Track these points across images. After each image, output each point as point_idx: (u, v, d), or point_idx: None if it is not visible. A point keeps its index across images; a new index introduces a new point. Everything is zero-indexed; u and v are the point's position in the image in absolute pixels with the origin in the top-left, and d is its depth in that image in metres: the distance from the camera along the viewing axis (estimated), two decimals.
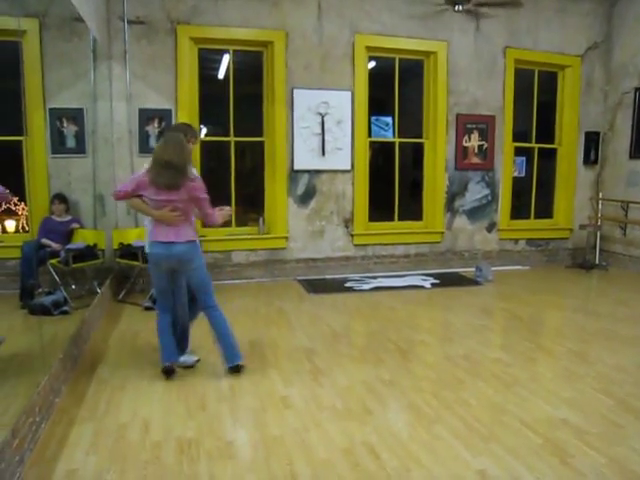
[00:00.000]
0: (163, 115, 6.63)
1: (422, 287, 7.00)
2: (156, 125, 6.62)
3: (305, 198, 7.25)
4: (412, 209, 8.06)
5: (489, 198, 8.11)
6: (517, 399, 3.77)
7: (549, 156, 8.62)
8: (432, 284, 7.11)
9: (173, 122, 6.63)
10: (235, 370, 4.12)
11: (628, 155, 8.21)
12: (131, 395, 3.77)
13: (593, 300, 6.91)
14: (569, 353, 4.75)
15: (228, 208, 4.28)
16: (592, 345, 4.97)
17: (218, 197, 7.39)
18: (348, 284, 7.01)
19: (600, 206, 8.59)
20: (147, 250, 4.07)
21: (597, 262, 8.41)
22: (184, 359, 4.26)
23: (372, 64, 7.63)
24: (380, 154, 8.35)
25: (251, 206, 7.58)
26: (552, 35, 8.11)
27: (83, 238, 5.77)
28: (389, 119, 7.72)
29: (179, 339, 4.24)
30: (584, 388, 3.98)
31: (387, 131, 7.72)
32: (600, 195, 8.61)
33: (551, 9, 8.06)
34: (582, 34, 8.31)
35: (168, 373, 4.05)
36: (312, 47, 7.09)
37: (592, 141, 8.60)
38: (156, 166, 3.86)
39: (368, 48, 7.33)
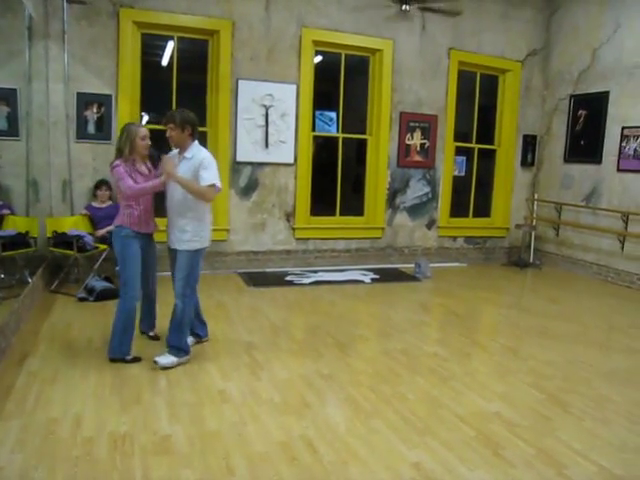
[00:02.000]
0: (103, 100, 6.41)
1: (362, 282, 7.06)
2: (95, 110, 6.40)
3: (247, 190, 7.18)
4: (354, 204, 8.11)
5: (430, 196, 8.25)
6: (452, 393, 3.85)
7: (488, 157, 8.85)
8: (372, 279, 7.18)
9: (113, 108, 6.44)
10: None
11: (563, 159, 8.52)
12: (62, 389, 3.64)
13: (527, 297, 7.14)
14: (503, 348, 4.89)
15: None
16: (525, 341, 5.13)
17: None
18: (289, 278, 6.99)
19: (535, 207, 8.88)
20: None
21: (531, 261, 8.70)
22: None
23: (318, 58, 7.61)
24: (324, 149, 8.35)
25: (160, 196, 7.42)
26: (495, 39, 8.31)
27: (14, 225, 5.53)
28: (333, 114, 7.73)
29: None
30: (516, 382, 4.11)
31: (331, 126, 7.72)
32: (535, 196, 8.90)
33: (495, 14, 8.25)
34: (523, 40, 8.55)
35: None
36: (259, 38, 7.01)
37: (529, 144, 8.88)
38: None
39: (315, 42, 7.31)
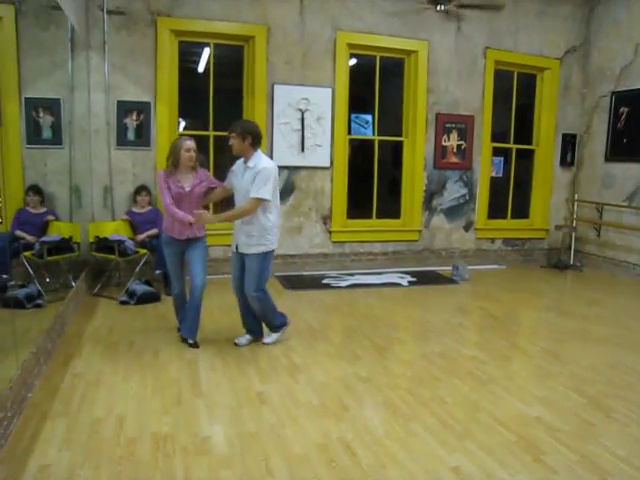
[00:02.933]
0: (142, 108, 6.55)
1: (399, 285, 7.03)
2: (134, 118, 6.55)
3: (283, 194, 7.22)
4: (390, 207, 8.08)
5: (467, 197, 8.17)
6: (492, 397, 3.81)
7: (527, 157, 8.72)
8: (409, 282, 7.15)
9: (152, 115, 6.57)
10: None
11: (604, 158, 8.33)
12: (105, 390, 3.73)
13: (567, 300, 7.00)
14: (543, 352, 4.81)
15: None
16: (565, 344, 5.04)
17: None
18: (325, 281, 7.01)
19: (575, 207, 8.71)
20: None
21: (572, 262, 8.53)
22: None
23: (353, 61, 7.62)
24: (359, 152, 8.35)
25: (229, 202, 7.50)
26: (532, 37, 8.20)
27: (58, 231, 5.68)
28: (369, 117, 7.73)
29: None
30: (557, 387, 4.03)
31: (367, 129, 7.73)
32: (576, 197, 8.72)
33: (531, 12, 8.14)
34: (561, 37, 8.41)
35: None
36: (293, 43, 7.06)
37: (569, 143, 8.71)
38: None
39: (349, 45, 7.32)
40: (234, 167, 4.50)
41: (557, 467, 2.94)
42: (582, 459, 3.03)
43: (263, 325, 4.76)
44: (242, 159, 4.39)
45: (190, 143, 4.41)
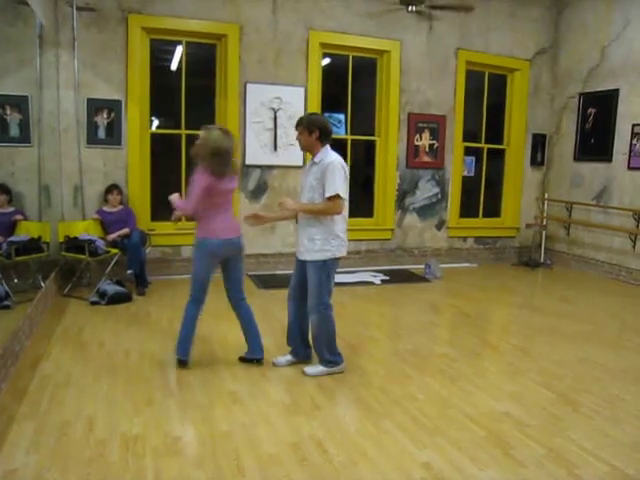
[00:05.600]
0: (113, 106, 6.48)
1: (372, 283, 7.06)
2: (105, 116, 6.47)
3: (256, 193, 7.21)
4: (363, 206, 8.10)
5: (439, 196, 8.24)
6: (462, 393, 3.85)
7: (498, 156, 8.83)
8: (382, 280, 7.19)
9: (123, 113, 6.50)
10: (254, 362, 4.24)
11: (572, 157, 8.48)
12: (75, 392, 3.68)
13: (537, 297, 7.11)
14: (513, 348, 4.88)
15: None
16: (535, 341, 5.12)
17: (168, 190, 7.32)
18: None
19: (546, 206, 8.84)
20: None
21: (542, 260, 8.66)
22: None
23: (326, 61, 7.64)
24: (335, 151, 8.35)
25: None
26: (502, 39, 8.30)
27: (27, 230, 5.59)
28: (342, 116, 7.75)
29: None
30: (526, 382, 4.10)
31: (339, 128, 7.74)
32: (546, 195, 8.86)
33: (502, 13, 8.24)
34: (531, 39, 8.53)
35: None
36: (266, 42, 7.05)
37: (539, 143, 8.85)
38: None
39: (322, 45, 7.34)
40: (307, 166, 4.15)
41: (526, 461, 2.99)
42: (550, 452, 3.09)
43: (312, 350, 4.27)
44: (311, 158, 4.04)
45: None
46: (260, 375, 4.05)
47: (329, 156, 3.91)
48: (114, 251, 6.14)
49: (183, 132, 7.03)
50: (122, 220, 6.32)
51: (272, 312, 5.64)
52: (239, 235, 4.17)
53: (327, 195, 3.81)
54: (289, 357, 4.30)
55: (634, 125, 7.47)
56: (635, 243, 7.48)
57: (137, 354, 4.39)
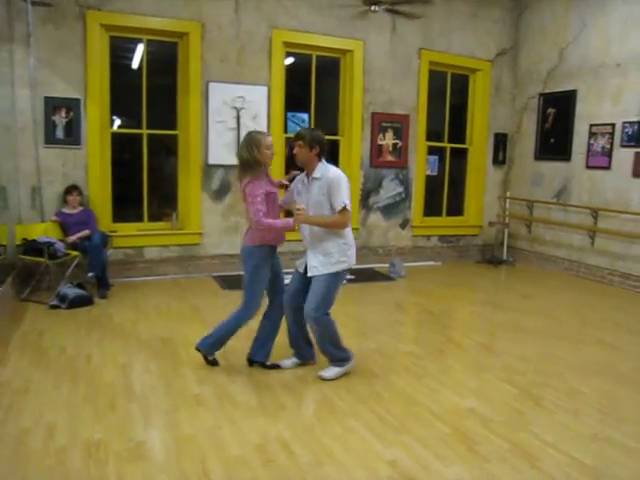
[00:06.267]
0: (71, 104, 6.32)
1: None
2: (63, 115, 6.31)
3: (220, 193, 7.14)
4: None
5: (403, 195, 8.30)
6: (427, 391, 3.88)
7: (460, 156, 8.93)
8: (347, 279, 7.16)
9: (82, 112, 6.36)
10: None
11: (533, 156, 8.64)
12: (34, 399, 3.58)
13: (500, 294, 7.22)
14: (477, 345, 4.94)
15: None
16: (498, 337, 5.20)
17: (130, 191, 7.23)
18: None
19: (508, 204, 8.98)
20: None
21: (505, 258, 8.79)
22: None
23: (290, 60, 7.61)
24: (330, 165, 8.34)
25: (164, 201, 7.37)
26: (464, 39, 8.40)
27: None
28: (305, 116, 7.74)
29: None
30: (490, 378, 4.15)
31: None
32: (507, 194, 9.00)
33: (464, 14, 8.34)
34: (492, 40, 8.65)
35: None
36: (229, 40, 6.98)
37: (500, 142, 8.99)
38: None
39: (285, 44, 7.30)
40: (293, 185, 4.11)
41: (489, 456, 3.03)
42: (513, 447, 3.13)
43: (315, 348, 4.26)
44: (303, 174, 4.01)
45: (271, 139, 4.01)
46: (226, 377, 4.01)
47: (330, 170, 3.88)
48: (74, 253, 6.00)
49: (144, 132, 6.92)
50: (82, 222, 6.19)
51: None
52: (244, 242, 4.16)
53: (336, 207, 3.78)
54: (294, 359, 4.29)
55: (591, 125, 7.65)
56: (593, 240, 7.65)
57: (99, 358, 4.30)
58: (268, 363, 4.21)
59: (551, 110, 8.32)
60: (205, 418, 3.38)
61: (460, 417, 3.49)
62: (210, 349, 4.18)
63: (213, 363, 4.20)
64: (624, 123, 7.21)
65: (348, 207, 3.79)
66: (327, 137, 7.79)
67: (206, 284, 6.76)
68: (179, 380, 3.94)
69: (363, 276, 7.43)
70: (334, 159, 8.05)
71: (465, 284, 7.41)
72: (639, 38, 7.03)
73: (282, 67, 7.34)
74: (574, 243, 7.97)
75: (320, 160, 3.93)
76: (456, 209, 9.02)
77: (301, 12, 7.31)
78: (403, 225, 8.37)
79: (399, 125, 8.08)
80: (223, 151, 7.03)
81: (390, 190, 8.19)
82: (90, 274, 5.93)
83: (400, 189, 8.26)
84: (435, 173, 8.74)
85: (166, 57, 7.08)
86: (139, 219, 7.04)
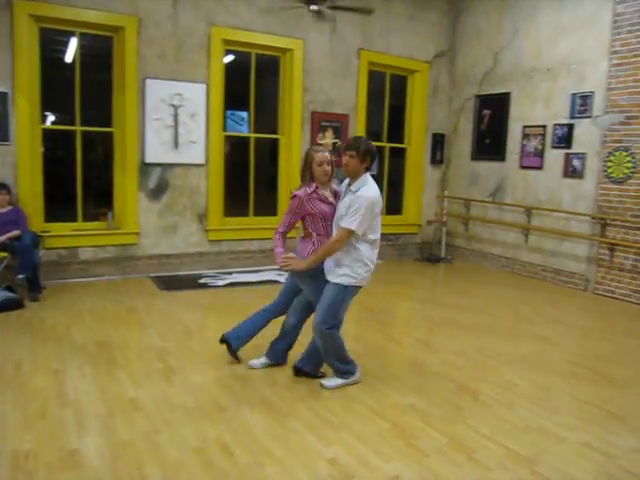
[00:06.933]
0: None
1: (277, 282, 7.02)
2: None
3: (157, 192, 6.99)
4: (268, 204, 8.07)
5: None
6: (367, 388, 3.91)
7: (399, 155, 9.05)
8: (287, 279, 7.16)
9: (10, 107, 6.08)
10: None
11: (470, 156, 8.85)
12: None
13: (438, 291, 7.35)
14: (416, 342, 5.02)
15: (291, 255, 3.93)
16: (437, 333, 5.29)
17: (63, 190, 6.99)
18: (202, 280, 6.87)
19: (445, 203, 9.16)
20: None
21: (443, 256, 8.97)
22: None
23: (229, 58, 7.52)
24: (236, 149, 8.26)
25: (99, 200, 7.15)
26: (403, 41, 8.52)
27: None
28: (245, 114, 7.67)
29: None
30: (429, 374, 4.22)
31: (242, 126, 7.66)
32: (445, 193, 9.18)
33: (402, 16, 8.46)
34: (430, 42, 8.81)
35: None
36: (166, 36, 6.84)
37: (438, 142, 9.17)
38: None
39: (224, 41, 7.21)
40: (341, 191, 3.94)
41: (428, 450, 3.08)
42: (451, 440, 3.19)
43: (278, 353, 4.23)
44: (347, 181, 3.86)
45: (322, 156, 3.81)
46: (163, 379, 3.93)
47: (365, 189, 3.71)
48: (3, 254, 5.75)
49: (78, 128, 6.69)
50: (12, 221, 5.92)
51: (175, 315, 5.49)
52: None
53: (341, 224, 3.68)
54: (263, 360, 4.25)
55: (524, 127, 7.90)
56: (527, 237, 7.91)
57: (30, 364, 4.12)
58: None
59: (486, 112, 8.54)
60: (142, 422, 3.29)
61: (399, 413, 3.53)
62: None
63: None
64: (555, 125, 7.48)
65: (352, 229, 3.63)
66: (267, 136, 7.95)
67: (143, 285, 6.60)
68: (115, 384, 3.83)
69: None
70: (274, 158, 8.03)
71: (404, 282, 7.51)
72: (567, 45, 7.32)
73: (221, 65, 7.25)
74: (509, 240, 8.20)
75: (364, 172, 3.78)
76: (395, 208, 9.14)
77: (241, 10, 7.24)
78: None
79: (339, 124, 8.12)
80: (160, 149, 6.88)
81: None
82: (20, 276, 5.68)
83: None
84: (374, 172, 8.81)
85: (101, 52, 6.87)
86: (73, 218, 6.81)
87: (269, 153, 8.34)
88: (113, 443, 3.04)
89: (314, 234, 3.88)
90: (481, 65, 8.57)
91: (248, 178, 7.78)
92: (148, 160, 6.85)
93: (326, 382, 3.92)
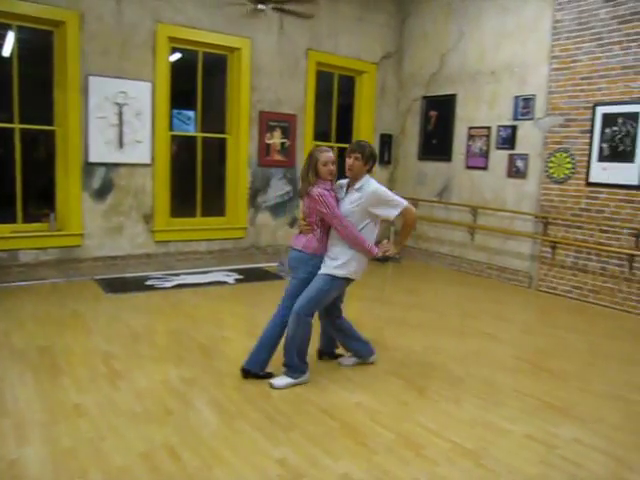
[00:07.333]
0: None
1: (226, 283, 6.97)
2: None
3: (102, 193, 6.81)
4: (215, 205, 7.98)
5: (291, 194, 8.33)
6: (316, 387, 3.91)
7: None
8: (236, 280, 7.12)
9: None
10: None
11: (417, 157, 8.97)
12: None
13: (387, 290, 7.41)
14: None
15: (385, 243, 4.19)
16: (386, 332, 5.33)
17: (1, 190, 6.74)
18: (149, 282, 6.73)
19: None
20: None
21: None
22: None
23: (176, 56, 7.40)
24: (182, 148, 8.14)
25: (41, 201, 6.92)
26: (351, 42, 8.57)
27: None
28: (192, 113, 7.56)
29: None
30: (377, 372, 4.26)
31: (189, 125, 7.55)
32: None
33: (350, 17, 8.50)
34: (378, 43, 8.89)
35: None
36: (110, 32, 6.67)
37: (386, 143, 9.26)
38: None
39: (171, 39, 7.09)
40: (336, 191, 4.09)
41: (377, 447, 3.10)
42: (399, 437, 3.23)
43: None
44: (345, 181, 4.08)
45: (327, 156, 3.94)
46: (108, 384, 3.83)
47: (370, 184, 3.93)
48: None
49: (17, 126, 6.45)
50: None
51: (121, 318, 5.37)
52: (298, 247, 4.07)
53: (400, 209, 3.92)
54: (354, 359, 4.41)
55: (470, 128, 8.07)
56: (473, 236, 8.07)
57: None
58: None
59: (433, 113, 8.68)
60: (86, 429, 3.20)
61: (348, 412, 3.54)
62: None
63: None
64: (499, 127, 7.67)
65: (407, 204, 3.93)
66: (214, 135, 7.86)
67: (88, 288, 6.43)
68: (58, 391, 3.71)
69: (252, 275, 7.38)
70: (222, 158, 7.95)
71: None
72: (510, 49, 7.51)
73: (167, 63, 7.12)
74: (456, 239, 8.36)
75: (366, 174, 4.00)
76: None
77: (187, 7, 7.13)
78: (292, 224, 8.40)
79: (287, 124, 8.10)
80: (105, 148, 6.71)
81: (278, 189, 8.20)
82: None
83: (288, 188, 8.29)
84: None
85: (41, 46, 6.64)
86: (12, 220, 6.56)
87: (217, 153, 8.25)
88: (55, 451, 2.95)
89: (318, 230, 3.99)
90: (428, 67, 8.70)
91: (195, 178, 7.68)
92: (92, 159, 6.67)
93: (275, 381, 3.91)
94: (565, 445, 3.25)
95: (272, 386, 3.87)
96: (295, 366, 3.95)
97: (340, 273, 3.90)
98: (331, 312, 4.23)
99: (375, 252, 4.02)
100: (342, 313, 4.33)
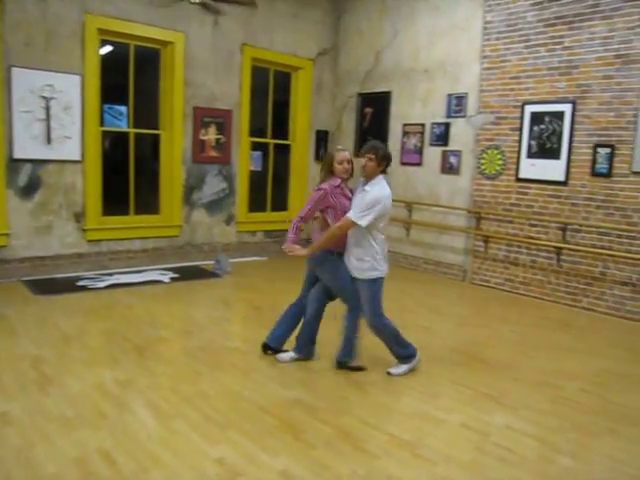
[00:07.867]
0: None
1: (161, 282, 6.82)
2: None
3: (28, 190, 6.53)
4: (149, 202, 7.79)
5: (227, 191, 8.24)
6: (254, 385, 3.90)
7: (284, 151, 9.08)
8: (171, 278, 6.98)
9: None
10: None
11: (352, 153, 8.98)
12: None
13: None
14: None
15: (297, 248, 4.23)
16: (324, 328, 5.31)
17: None
18: (81, 283, 6.52)
19: None
20: None
21: None
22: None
23: (107, 49, 7.17)
24: (115, 144, 7.91)
25: None
26: (286, 38, 8.54)
27: None
28: (123, 108, 7.35)
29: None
30: (315, 368, 4.29)
31: (121, 121, 7.34)
32: None
33: (286, 13, 8.47)
34: (313, 40, 8.90)
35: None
36: (35, 22, 6.38)
37: (322, 139, 9.29)
38: None
39: (100, 31, 6.86)
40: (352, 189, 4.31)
41: (316, 442, 3.12)
42: (338, 432, 3.25)
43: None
44: (361, 181, 4.16)
45: (342, 154, 4.20)
46: (38, 390, 3.68)
47: (377, 188, 4.01)
48: None
49: None
50: None
51: (51, 320, 5.17)
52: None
53: (348, 215, 3.99)
54: (292, 354, 4.40)
55: (404, 125, 8.20)
56: (409, 231, 8.22)
57: None
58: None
59: (368, 109, 8.76)
60: (13, 438, 3.07)
61: (286, 408, 3.54)
62: (350, 356, 4.24)
63: (360, 369, 4.26)
64: (432, 124, 7.83)
65: (358, 222, 3.93)
66: (148, 131, 7.68)
67: (15, 290, 6.15)
68: None
69: (188, 274, 7.27)
70: (155, 154, 7.78)
71: (291, 278, 7.47)
72: (442, 48, 7.68)
73: (97, 56, 6.89)
74: (392, 235, 8.46)
75: (379, 174, 4.10)
76: (281, 204, 9.16)
77: None
78: (228, 221, 8.32)
79: (222, 120, 8.00)
80: (31, 144, 6.43)
81: (214, 186, 8.09)
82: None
83: (224, 185, 8.20)
84: (259, 169, 8.79)
85: None
86: None
87: (150, 149, 8.07)
88: None
89: (328, 219, 4.20)
90: (363, 64, 8.78)
91: (128, 175, 7.47)
92: (17, 156, 6.38)
93: (393, 370, 4.22)
94: (497, 432, 3.36)
95: (390, 374, 4.18)
96: (404, 355, 4.26)
97: (376, 275, 4.11)
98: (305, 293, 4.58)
99: (289, 245, 4.22)
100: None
